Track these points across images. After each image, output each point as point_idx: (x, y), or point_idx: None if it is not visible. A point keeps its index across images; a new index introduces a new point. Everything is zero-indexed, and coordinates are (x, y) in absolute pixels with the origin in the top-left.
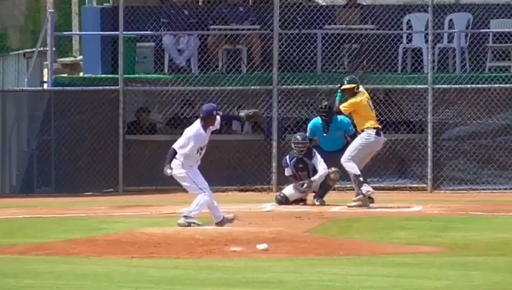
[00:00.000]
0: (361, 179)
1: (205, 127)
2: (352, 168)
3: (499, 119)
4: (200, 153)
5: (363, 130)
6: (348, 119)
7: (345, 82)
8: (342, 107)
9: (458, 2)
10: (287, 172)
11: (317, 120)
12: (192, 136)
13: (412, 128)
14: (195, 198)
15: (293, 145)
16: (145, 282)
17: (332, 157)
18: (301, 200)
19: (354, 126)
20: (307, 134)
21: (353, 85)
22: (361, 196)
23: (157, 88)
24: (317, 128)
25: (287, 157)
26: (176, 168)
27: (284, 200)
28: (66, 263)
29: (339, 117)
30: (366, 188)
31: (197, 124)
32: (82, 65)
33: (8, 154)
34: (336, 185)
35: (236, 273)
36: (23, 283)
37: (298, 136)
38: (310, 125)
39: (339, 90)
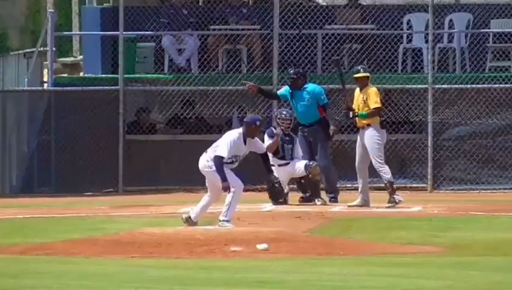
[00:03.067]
0: (394, 186)
1: (245, 135)
2: (387, 173)
3: (499, 119)
4: (233, 162)
5: (368, 125)
6: (320, 88)
7: (361, 70)
8: (376, 103)
9: (458, 2)
10: (267, 143)
11: (285, 89)
12: (228, 140)
13: (412, 128)
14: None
15: (279, 121)
16: (145, 282)
17: (309, 133)
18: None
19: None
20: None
21: (368, 74)
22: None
23: (157, 88)
24: (289, 97)
25: (272, 128)
26: (202, 163)
27: (279, 198)
28: (66, 263)
29: (311, 86)
30: (398, 197)
31: (238, 130)
32: (82, 65)
33: (8, 154)
34: (336, 185)
35: (236, 273)
36: (23, 283)
37: (285, 112)
38: (278, 93)
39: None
